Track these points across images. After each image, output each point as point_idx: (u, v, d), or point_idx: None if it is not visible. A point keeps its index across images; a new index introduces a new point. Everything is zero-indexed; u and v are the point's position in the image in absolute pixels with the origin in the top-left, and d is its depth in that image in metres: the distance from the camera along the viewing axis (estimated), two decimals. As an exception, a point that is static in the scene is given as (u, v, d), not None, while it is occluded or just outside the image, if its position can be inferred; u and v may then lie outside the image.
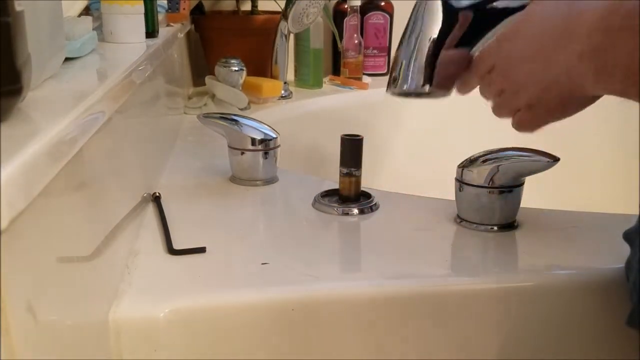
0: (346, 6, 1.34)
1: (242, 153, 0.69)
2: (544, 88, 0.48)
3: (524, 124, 0.51)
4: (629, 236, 0.48)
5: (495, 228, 0.56)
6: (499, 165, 0.55)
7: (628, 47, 0.39)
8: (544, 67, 0.47)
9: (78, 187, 0.37)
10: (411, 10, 0.59)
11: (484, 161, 0.56)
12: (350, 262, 0.54)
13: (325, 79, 1.34)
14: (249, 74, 1.09)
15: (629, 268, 0.46)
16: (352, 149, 0.62)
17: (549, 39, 0.46)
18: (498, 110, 0.53)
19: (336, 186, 0.64)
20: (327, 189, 0.65)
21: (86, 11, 0.78)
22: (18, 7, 0.31)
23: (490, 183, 0.55)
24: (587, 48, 0.42)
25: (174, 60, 0.94)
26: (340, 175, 0.63)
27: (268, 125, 0.70)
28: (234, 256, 0.51)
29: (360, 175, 0.63)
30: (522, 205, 0.58)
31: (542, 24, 0.47)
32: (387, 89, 0.60)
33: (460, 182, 0.57)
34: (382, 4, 1.41)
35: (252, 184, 0.69)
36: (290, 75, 1.28)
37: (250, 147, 0.68)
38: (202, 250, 0.51)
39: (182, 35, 1.03)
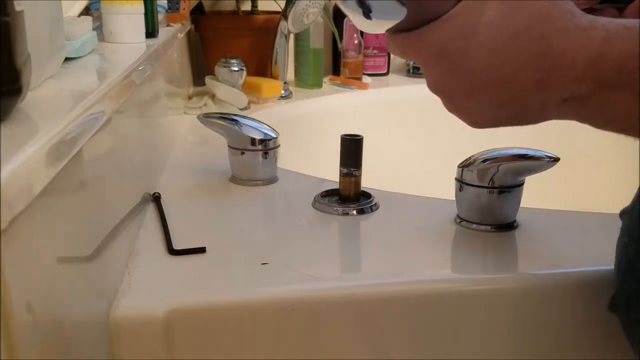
0: (346, 6, 1.34)
1: (242, 153, 0.69)
2: (500, 109, 0.42)
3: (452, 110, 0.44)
4: (621, 215, 0.48)
5: (495, 228, 0.56)
6: (499, 165, 0.55)
7: (625, 105, 0.37)
8: (510, 99, 0.40)
9: (78, 187, 0.37)
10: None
11: (483, 161, 0.56)
12: (350, 262, 0.54)
13: (325, 79, 1.34)
14: (249, 74, 1.09)
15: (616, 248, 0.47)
16: (352, 149, 0.62)
17: (520, 72, 0.39)
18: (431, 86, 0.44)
19: (336, 186, 0.64)
20: (327, 189, 0.65)
21: (86, 11, 0.78)
22: (18, 6, 0.31)
23: (490, 183, 0.55)
24: (576, 94, 0.38)
25: (173, 60, 0.93)
26: (340, 175, 0.63)
27: (268, 125, 0.70)
28: (234, 256, 0.51)
29: (360, 175, 0.63)
30: (522, 205, 0.58)
31: (503, 47, 0.39)
32: None
33: (460, 182, 0.57)
34: (382, 4, 1.41)
35: (252, 184, 0.69)
36: (290, 75, 1.28)
37: (250, 147, 0.68)
38: (202, 250, 0.51)
39: (182, 35, 1.03)
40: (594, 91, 0.38)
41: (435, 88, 0.44)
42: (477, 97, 0.41)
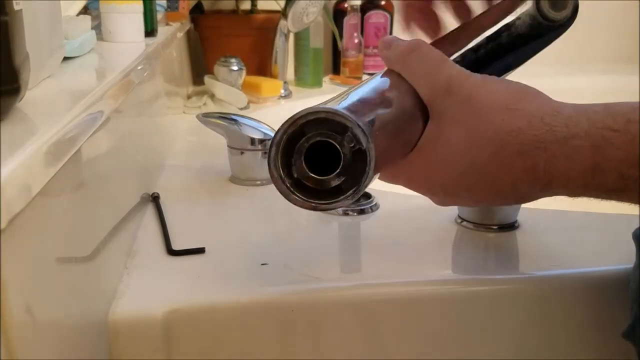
0: (346, 5, 1.34)
1: (242, 153, 0.68)
2: (512, 202, 0.45)
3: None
4: (636, 236, 0.47)
5: (496, 228, 0.56)
6: (499, 165, 0.55)
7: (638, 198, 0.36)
8: (519, 199, 0.42)
9: (77, 187, 0.37)
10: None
11: (484, 161, 0.55)
12: (350, 263, 0.53)
13: (325, 79, 1.34)
14: (248, 73, 1.09)
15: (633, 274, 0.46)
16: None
17: (518, 183, 0.38)
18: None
19: (336, 186, 0.64)
20: (327, 188, 0.65)
21: (85, 10, 0.77)
22: (16, 6, 0.31)
23: (491, 183, 0.55)
24: (584, 195, 0.38)
25: (173, 60, 0.93)
26: (340, 175, 0.63)
27: (267, 125, 0.70)
28: (233, 256, 0.51)
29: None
30: (523, 205, 0.57)
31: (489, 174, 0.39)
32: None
33: (461, 182, 0.57)
34: (383, 3, 1.41)
35: (251, 184, 0.69)
36: (290, 75, 1.28)
37: (249, 146, 0.68)
38: (201, 250, 0.51)
39: (181, 34, 1.03)
40: (604, 195, 0.37)
41: (442, 205, 0.45)
42: (485, 202, 0.46)
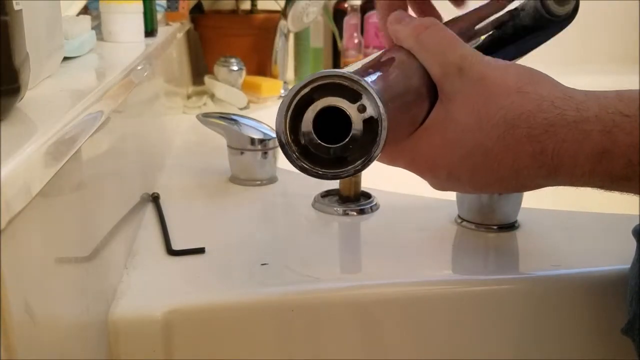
0: (346, 5, 1.34)
1: (242, 153, 0.68)
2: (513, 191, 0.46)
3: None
4: (637, 232, 0.47)
5: (496, 228, 0.56)
6: (499, 165, 0.54)
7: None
8: (521, 187, 0.41)
9: (76, 187, 0.37)
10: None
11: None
12: (350, 263, 0.53)
13: (325, 79, 1.33)
14: (248, 73, 1.09)
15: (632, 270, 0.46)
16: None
17: (522, 170, 0.38)
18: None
19: (336, 186, 0.64)
20: (327, 189, 0.65)
21: (85, 10, 0.77)
22: (16, 6, 0.31)
23: (491, 183, 0.55)
24: (589, 184, 0.37)
25: (173, 60, 0.93)
26: (340, 175, 0.63)
27: (267, 125, 0.70)
28: (233, 257, 0.51)
29: (360, 175, 0.63)
30: (522, 205, 0.57)
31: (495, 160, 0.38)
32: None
33: (461, 182, 0.57)
34: (382, 3, 1.41)
35: (251, 184, 0.69)
36: (290, 75, 1.28)
37: (249, 146, 0.68)
38: (201, 250, 0.51)
39: (181, 34, 1.03)
40: (609, 184, 0.37)
41: (441, 190, 0.44)
42: (484, 188, 0.44)
